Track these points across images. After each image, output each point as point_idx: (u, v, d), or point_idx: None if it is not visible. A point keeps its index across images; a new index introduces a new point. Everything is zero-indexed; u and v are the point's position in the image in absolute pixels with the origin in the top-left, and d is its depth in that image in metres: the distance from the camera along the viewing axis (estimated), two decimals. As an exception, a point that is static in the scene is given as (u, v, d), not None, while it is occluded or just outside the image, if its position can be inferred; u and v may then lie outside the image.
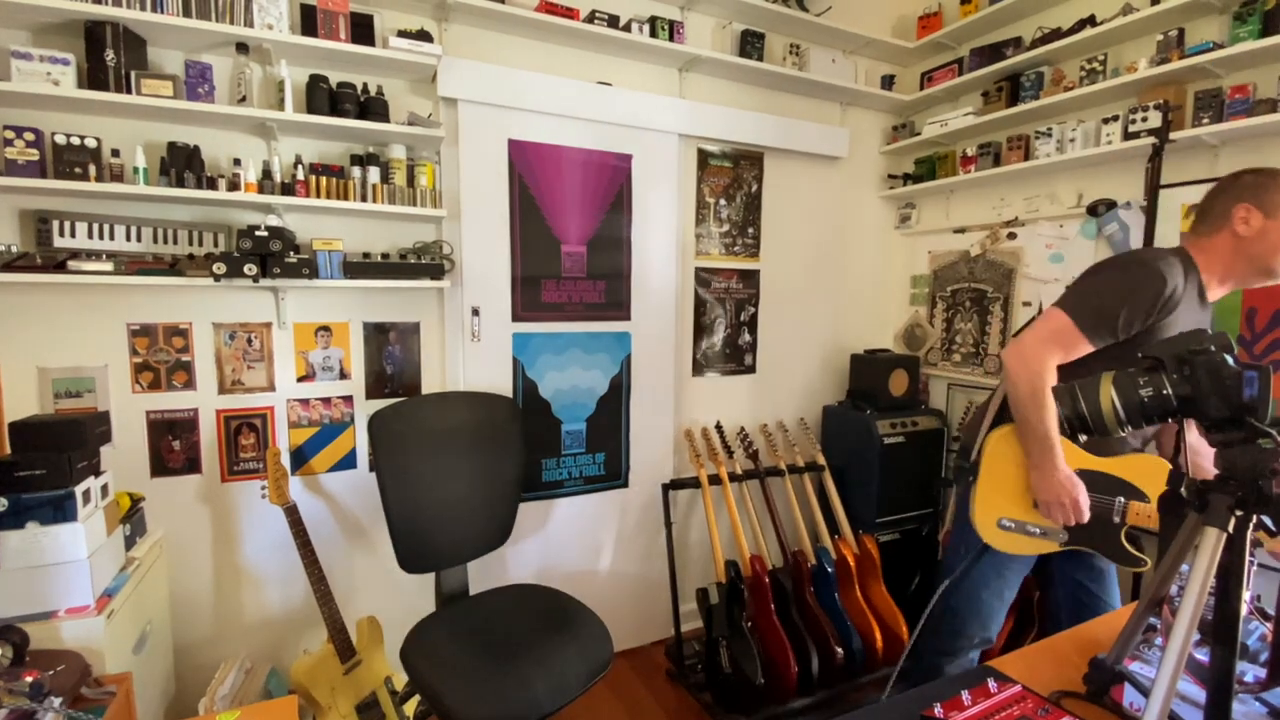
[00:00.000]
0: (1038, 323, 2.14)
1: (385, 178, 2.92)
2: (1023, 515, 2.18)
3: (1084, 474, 2.10)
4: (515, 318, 3.35)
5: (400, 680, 2.80)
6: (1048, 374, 2.05)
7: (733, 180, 3.90)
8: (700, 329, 3.90)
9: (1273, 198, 1.95)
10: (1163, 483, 1.92)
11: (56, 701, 1.69)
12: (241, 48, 2.64)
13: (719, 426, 3.86)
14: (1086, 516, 2.06)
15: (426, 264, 2.98)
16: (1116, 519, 2.08)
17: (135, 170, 2.49)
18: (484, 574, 3.19)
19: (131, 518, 2.52)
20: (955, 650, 2.42)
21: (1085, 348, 2.05)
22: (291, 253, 2.68)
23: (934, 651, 2.45)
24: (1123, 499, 2.08)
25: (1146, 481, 2.10)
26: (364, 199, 2.85)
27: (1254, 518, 1.15)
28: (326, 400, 3.06)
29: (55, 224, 2.47)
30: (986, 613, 2.37)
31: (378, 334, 3.12)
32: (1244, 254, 1.99)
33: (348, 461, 3.13)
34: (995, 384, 3.79)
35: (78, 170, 2.40)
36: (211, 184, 2.60)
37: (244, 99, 2.65)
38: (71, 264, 2.41)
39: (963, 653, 2.42)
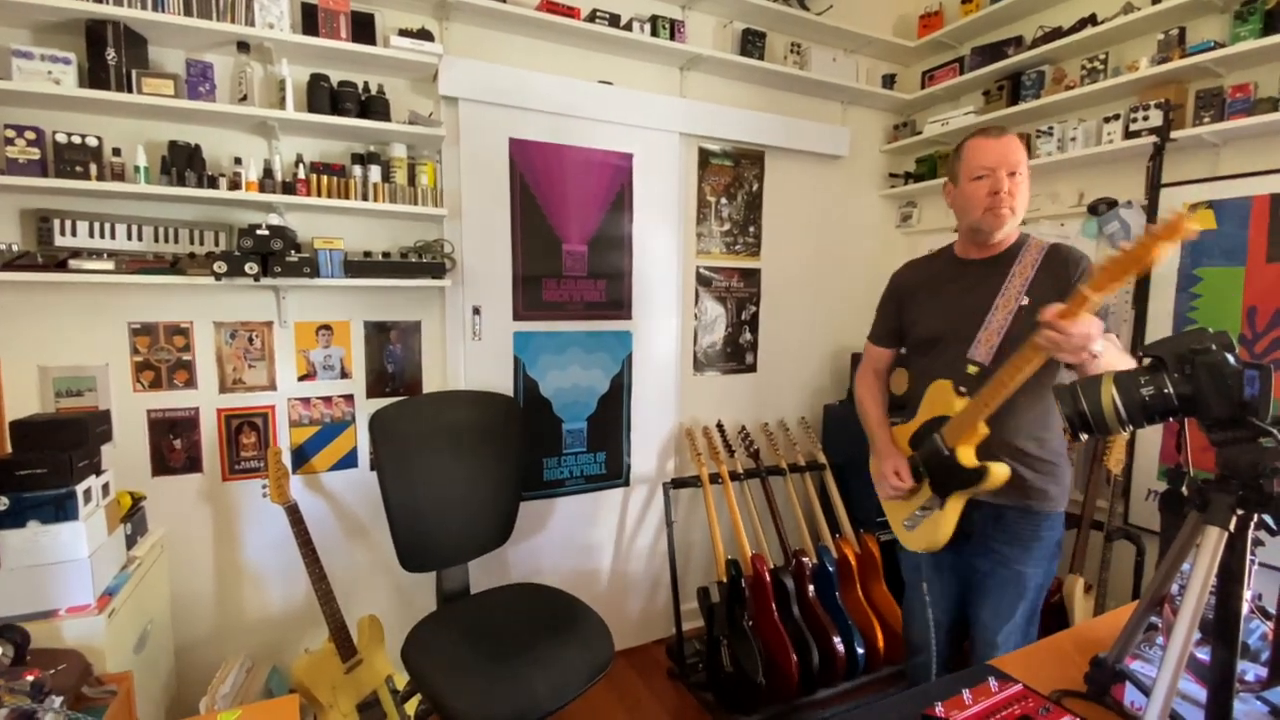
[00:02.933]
0: None
1: (386, 176, 2.92)
2: (911, 508, 2.31)
3: (914, 437, 2.29)
4: (516, 317, 3.35)
5: (401, 679, 2.80)
6: (861, 386, 2.57)
7: (734, 179, 3.90)
8: (701, 328, 3.90)
9: (952, 166, 2.22)
10: (948, 395, 2.14)
11: (57, 701, 1.69)
12: (242, 47, 2.64)
13: (720, 425, 3.85)
14: (906, 478, 2.26)
15: (427, 263, 2.98)
16: (945, 450, 2.13)
17: (136, 169, 2.49)
18: (485, 573, 3.19)
19: (132, 517, 2.53)
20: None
21: (883, 352, 2.53)
22: (292, 252, 2.68)
23: None
24: (938, 433, 2.16)
25: (939, 405, 2.20)
26: (365, 198, 2.84)
27: (1255, 516, 1.16)
28: (327, 399, 3.06)
29: (56, 223, 2.47)
30: (908, 621, 2.54)
31: (379, 333, 3.12)
32: (958, 220, 2.25)
33: (349, 460, 3.13)
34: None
35: (79, 169, 2.40)
36: (213, 183, 2.60)
37: (245, 98, 2.65)
38: (72, 263, 2.41)
39: (908, 662, 2.57)
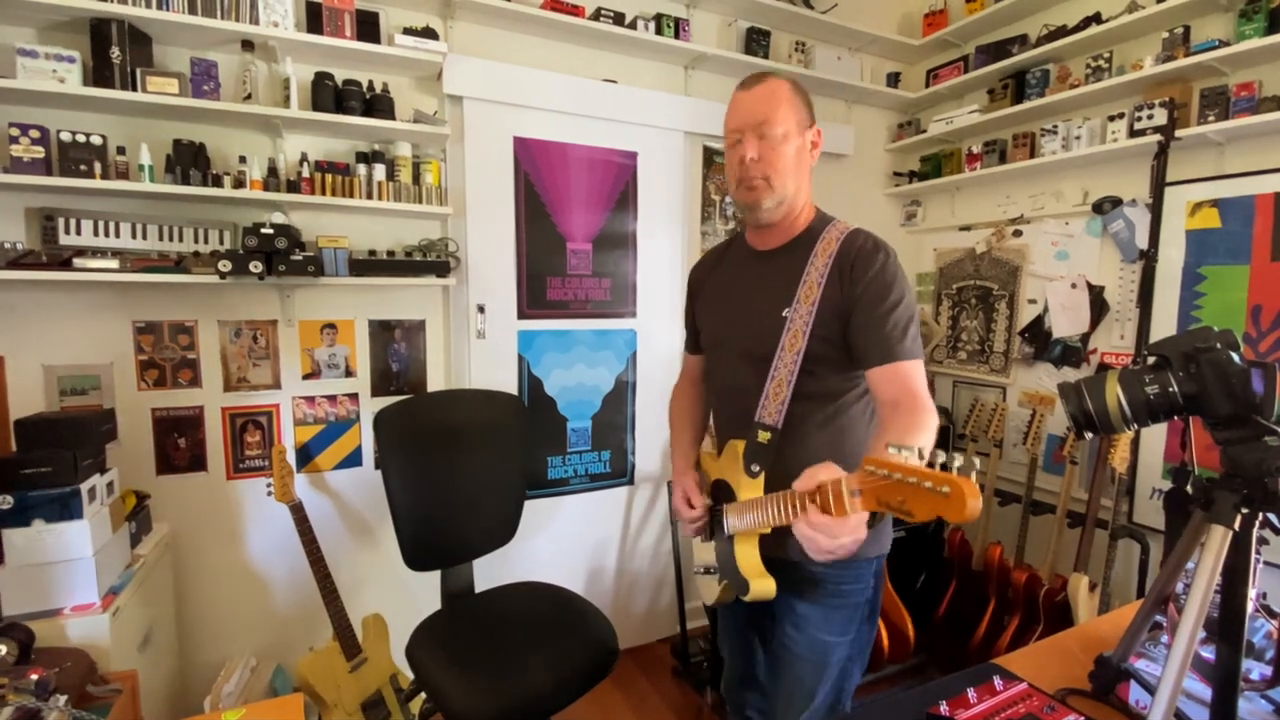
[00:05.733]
0: None
1: (391, 175, 2.92)
2: (702, 557, 1.94)
3: (713, 487, 1.88)
4: (521, 315, 3.35)
5: (405, 678, 2.81)
6: (673, 399, 2.21)
7: (737, 178, 3.89)
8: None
9: None
10: (738, 466, 1.70)
11: (62, 699, 1.69)
12: (247, 45, 2.65)
13: (724, 424, 3.85)
14: (697, 502, 1.86)
15: (432, 261, 2.98)
16: (726, 530, 1.73)
17: (141, 168, 2.50)
18: (489, 572, 3.18)
19: (137, 515, 2.53)
20: None
21: (692, 359, 2.15)
22: (297, 250, 2.68)
23: None
24: (723, 504, 1.77)
25: (729, 470, 1.79)
26: (369, 196, 2.85)
27: (1260, 515, 1.15)
28: (332, 398, 3.06)
29: (61, 221, 2.47)
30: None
31: (383, 331, 3.12)
32: None
33: (353, 459, 3.14)
34: (1000, 381, 3.80)
35: (83, 168, 2.40)
36: (217, 181, 2.60)
37: (249, 96, 2.66)
38: (77, 261, 2.41)
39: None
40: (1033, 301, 3.67)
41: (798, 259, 1.75)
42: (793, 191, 1.75)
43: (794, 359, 1.67)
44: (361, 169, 2.87)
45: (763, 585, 1.64)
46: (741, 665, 2.07)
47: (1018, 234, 3.74)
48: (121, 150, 2.52)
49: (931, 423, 1.49)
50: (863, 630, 1.80)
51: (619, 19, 3.31)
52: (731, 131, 1.74)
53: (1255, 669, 1.47)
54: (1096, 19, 3.21)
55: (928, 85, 4.11)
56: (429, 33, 2.90)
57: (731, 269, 1.94)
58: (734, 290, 1.90)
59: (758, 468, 1.67)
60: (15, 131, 2.33)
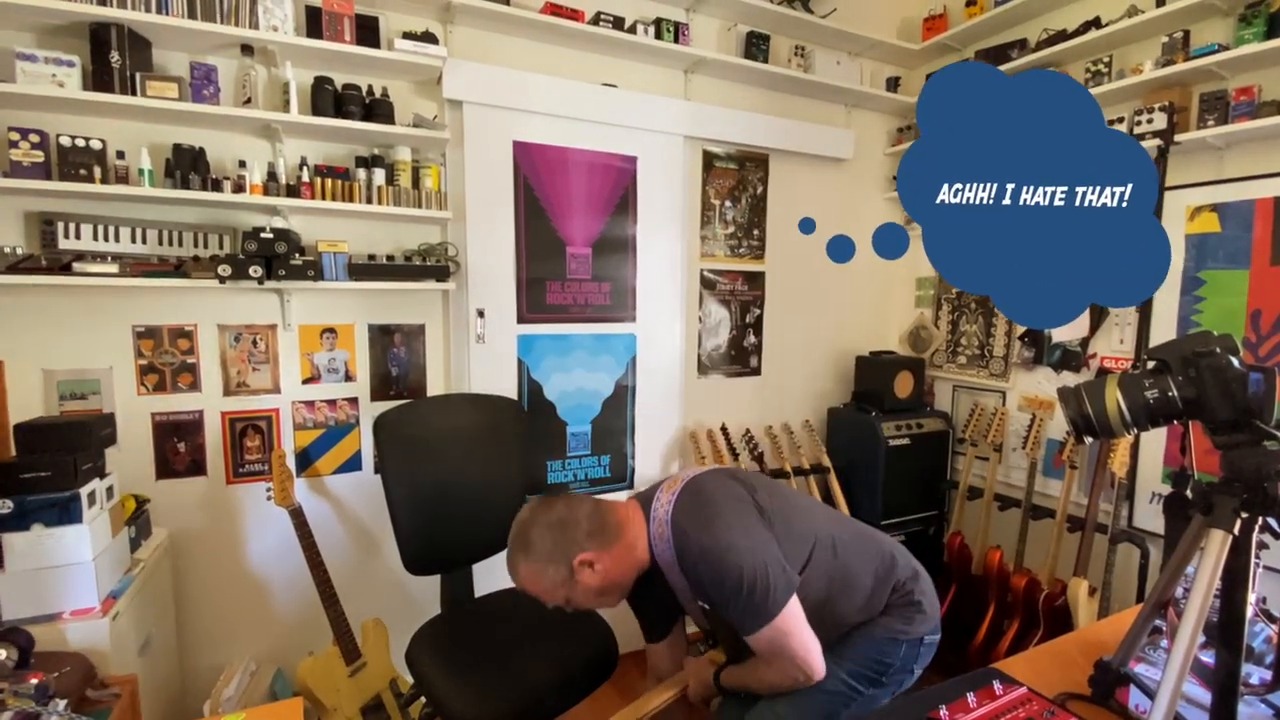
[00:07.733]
0: None
1: (390, 179, 2.92)
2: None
3: None
4: (520, 319, 3.35)
5: (405, 682, 2.80)
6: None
7: (738, 182, 3.90)
8: (705, 331, 3.90)
9: None
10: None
11: (61, 704, 1.69)
12: (246, 49, 2.65)
13: (724, 429, 3.84)
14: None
15: (431, 266, 2.98)
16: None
17: (140, 172, 2.50)
18: (489, 576, 3.17)
19: (136, 520, 2.53)
20: None
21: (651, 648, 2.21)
22: (296, 255, 2.68)
23: None
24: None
25: None
26: (369, 201, 2.85)
27: (1259, 520, 1.15)
28: (332, 402, 3.06)
29: (60, 226, 2.47)
30: None
31: (383, 336, 3.12)
32: None
33: (353, 464, 3.14)
34: (1000, 386, 3.80)
35: (83, 172, 2.40)
36: (216, 186, 2.60)
37: (249, 101, 2.66)
38: (76, 266, 2.41)
39: None
40: (1032, 305, 3.66)
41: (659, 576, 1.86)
42: (615, 592, 1.85)
43: (691, 600, 1.89)
44: (361, 173, 2.87)
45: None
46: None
47: (1017, 238, 3.73)
48: (121, 154, 2.52)
49: (786, 671, 1.75)
50: (872, 692, 1.88)
51: (619, 23, 3.32)
52: None
53: (1255, 673, 1.47)
54: (1096, 23, 3.21)
55: (927, 89, 4.10)
56: (429, 37, 2.90)
57: None
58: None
59: (704, 647, 2.13)
60: (15, 136, 2.33)
